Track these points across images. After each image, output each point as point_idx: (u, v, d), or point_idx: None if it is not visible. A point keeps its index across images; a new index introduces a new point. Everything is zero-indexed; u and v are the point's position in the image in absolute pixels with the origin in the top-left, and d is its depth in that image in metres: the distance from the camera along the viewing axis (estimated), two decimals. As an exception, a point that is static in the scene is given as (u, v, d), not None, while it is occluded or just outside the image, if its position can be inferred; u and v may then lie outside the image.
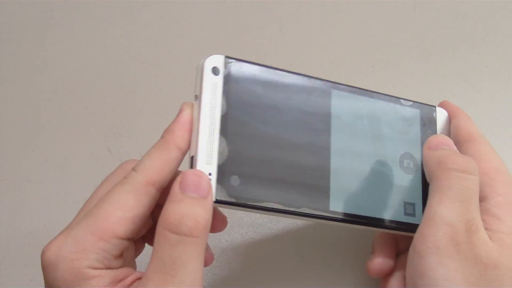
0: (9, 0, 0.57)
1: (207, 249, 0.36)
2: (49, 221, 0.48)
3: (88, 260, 0.31)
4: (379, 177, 0.38)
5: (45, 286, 0.34)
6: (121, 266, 0.33)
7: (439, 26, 0.54)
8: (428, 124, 0.41)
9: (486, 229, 0.33)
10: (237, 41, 0.54)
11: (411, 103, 0.41)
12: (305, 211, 0.36)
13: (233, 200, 0.34)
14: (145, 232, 0.37)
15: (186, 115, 0.34)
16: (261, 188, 0.35)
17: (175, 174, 0.34)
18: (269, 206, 0.35)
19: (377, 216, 0.38)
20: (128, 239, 0.33)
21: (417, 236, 0.33)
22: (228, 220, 0.38)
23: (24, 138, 0.51)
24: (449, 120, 0.41)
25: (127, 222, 0.32)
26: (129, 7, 0.56)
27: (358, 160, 0.38)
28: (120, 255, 0.33)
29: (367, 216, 0.37)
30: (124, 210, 0.32)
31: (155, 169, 0.33)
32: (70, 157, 0.50)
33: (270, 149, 0.35)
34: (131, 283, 0.33)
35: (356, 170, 0.38)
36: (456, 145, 0.38)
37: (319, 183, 0.37)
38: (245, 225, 0.46)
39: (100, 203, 0.33)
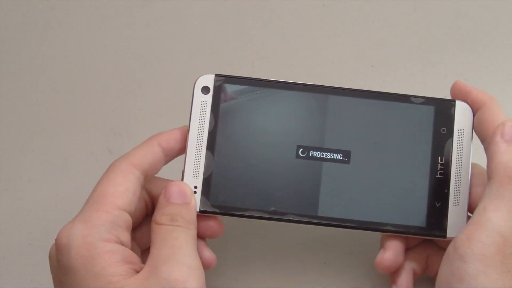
0: (9, 0, 0.57)
1: (210, 251, 0.39)
2: (49, 221, 0.48)
3: (99, 233, 0.34)
4: (375, 180, 0.38)
5: (57, 278, 0.35)
6: (131, 249, 0.35)
7: (439, 26, 0.54)
8: (443, 121, 0.39)
9: None
10: (237, 41, 0.54)
11: (423, 99, 0.39)
12: (292, 218, 0.38)
13: (216, 210, 0.37)
14: (140, 222, 0.40)
15: (178, 128, 0.38)
16: (245, 198, 0.37)
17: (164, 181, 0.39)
18: (254, 215, 0.37)
19: (370, 220, 0.38)
20: (128, 212, 0.36)
21: (462, 237, 0.33)
22: (228, 219, 0.38)
23: (24, 138, 0.51)
24: (473, 114, 0.38)
25: (121, 195, 0.35)
26: (129, 7, 0.56)
27: (354, 165, 0.38)
28: (127, 229, 0.35)
29: (359, 220, 0.38)
30: (115, 186, 0.36)
31: (135, 156, 0.37)
32: (70, 157, 0.50)
33: (256, 162, 0.38)
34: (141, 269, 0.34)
35: (351, 176, 0.38)
36: (482, 143, 0.37)
37: (309, 192, 0.38)
38: (245, 225, 0.46)
39: (93, 190, 0.36)
